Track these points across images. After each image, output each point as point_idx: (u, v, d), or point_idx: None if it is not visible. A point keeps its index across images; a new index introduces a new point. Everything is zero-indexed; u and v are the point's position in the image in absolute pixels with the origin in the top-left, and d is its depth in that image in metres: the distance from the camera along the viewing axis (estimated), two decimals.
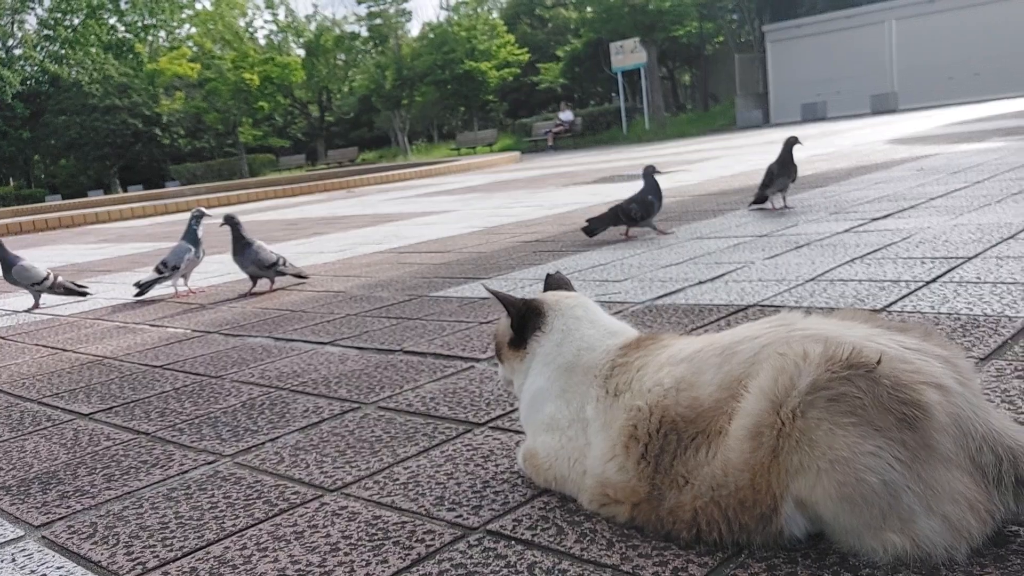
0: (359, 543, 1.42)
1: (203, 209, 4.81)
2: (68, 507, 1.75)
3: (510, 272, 4.13)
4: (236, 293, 4.53)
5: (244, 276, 4.62)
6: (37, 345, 3.69)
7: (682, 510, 1.24)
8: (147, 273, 4.87)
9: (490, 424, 1.94)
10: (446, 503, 1.54)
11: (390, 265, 4.94)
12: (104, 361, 3.17)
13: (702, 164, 11.58)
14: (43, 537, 1.61)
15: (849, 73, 27.46)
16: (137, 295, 4.67)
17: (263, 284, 4.54)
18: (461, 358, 2.57)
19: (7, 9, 41.72)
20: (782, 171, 4.97)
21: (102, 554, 1.50)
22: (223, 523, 1.57)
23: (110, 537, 1.57)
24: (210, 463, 1.92)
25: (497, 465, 1.69)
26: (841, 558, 1.18)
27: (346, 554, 1.39)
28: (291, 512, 1.59)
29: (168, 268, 4.52)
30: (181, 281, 4.63)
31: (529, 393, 1.53)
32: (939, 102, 23.71)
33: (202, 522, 1.59)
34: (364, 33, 39.98)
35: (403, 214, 8.86)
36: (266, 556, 1.42)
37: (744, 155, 12.49)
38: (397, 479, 1.68)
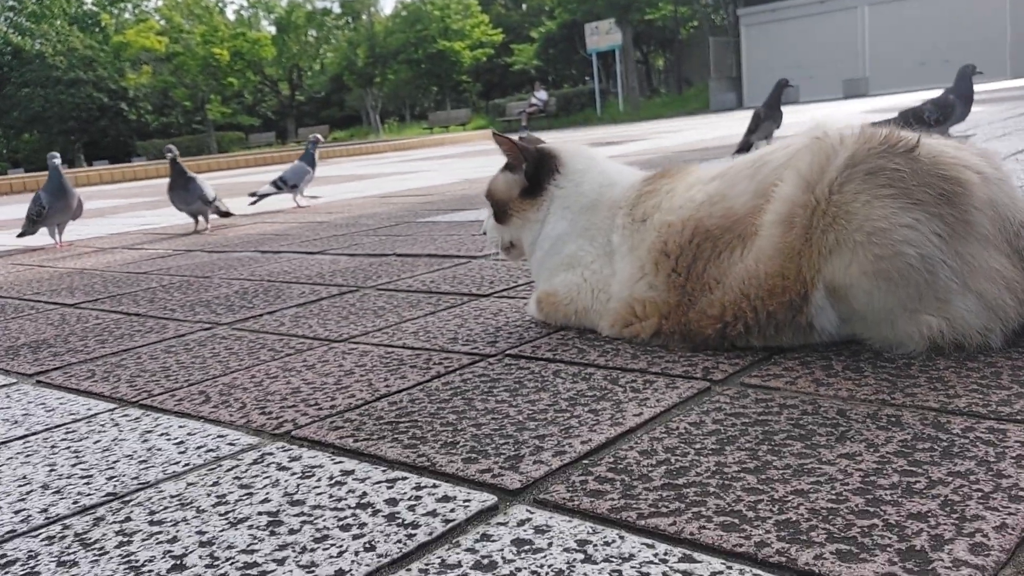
0: (373, 369, 1.39)
1: (319, 136, 5.34)
2: (62, 360, 1.69)
3: None
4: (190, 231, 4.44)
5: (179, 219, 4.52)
6: (13, 264, 3.58)
7: (711, 307, 1.22)
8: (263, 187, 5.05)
9: (495, 295, 1.91)
10: (459, 341, 1.51)
11: (372, 204, 4.87)
12: (84, 272, 3.08)
13: (679, 134, 11.60)
14: (38, 382, 1.55)
15: (822, 58, 27.68)
16: (252, 203, 5.03)
17: (202, 223, 4.39)
18: (456, 256, 2.53)
19: None
20: (768, 115, 4.97)
21: (103, 387, 1.45)
22: (227, 364, 1.53)
23: (110, 377, 1.52)
24: (207, 329, 1.86)
25: (508, 318, 1.66)
26: (875, 353, 1.17)
27: (361, 375, 1.35)
28: (298, 354, 1.54)
29: (287, 185, 4.95)
30: (299, 196, 5.09)
31: (548, 240, 1.50)
32: (910, 88, 23.97)
33: (205, 365, 1.54)
34: (336, 10, 39.49)
35: (381, 174, 8.76)
36: (276, 381, 1.38)
37: (719, 127, 12.54)
38: (405, 330, 1.64)
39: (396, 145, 18.29)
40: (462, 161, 9.73)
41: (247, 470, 1.00)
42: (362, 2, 37.90)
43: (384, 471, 0.95)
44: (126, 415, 1.28)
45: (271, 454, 1.04)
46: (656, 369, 1.21)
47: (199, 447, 1.10)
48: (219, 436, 1.13)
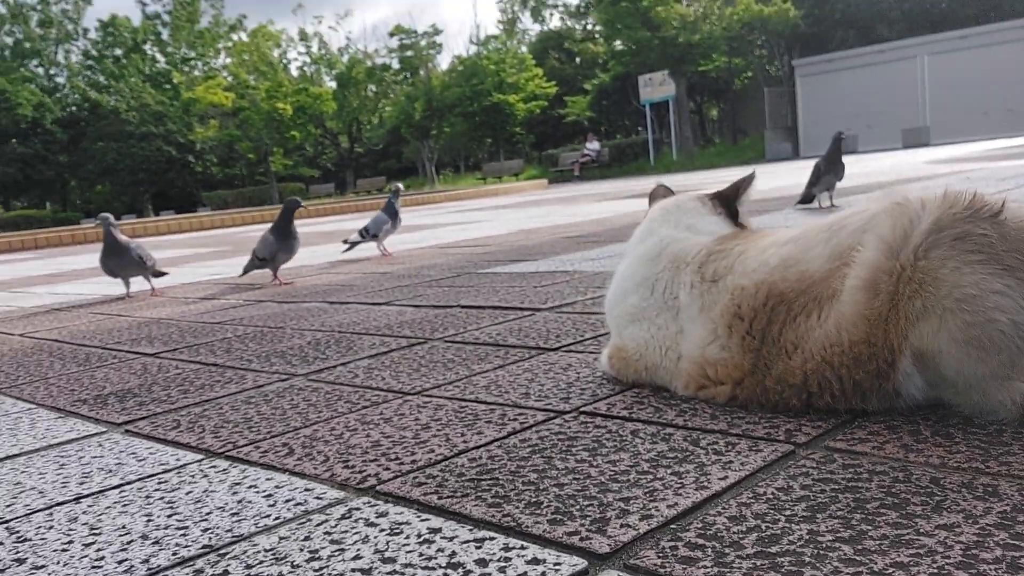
0: (449, 423, 1.41)
1: (400, 186, 5.53)
2: (147, 410, 1.75)
3: (555, 256, 4.12)
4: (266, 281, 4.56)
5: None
6: (92, 313, 3.72)
7: (791, 375, 1.21)
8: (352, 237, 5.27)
9: (563, 348, 1.92)
10: (532, 397, 1.52)
11: (432, 255, 4.96)
12: (160, 321, 3.19)
13: None
14: (127, 431, 1.61)
15: (880, 107, 27.41)
16: (345, 251, 5.32)
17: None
18: (521, 308, 2.56)
19: (52, 40, 42.91)
20: (829, 168, 4.94)
21: (189, 438, 1.50)
22: (307, 416, 1.57)
23: (195, 428, 1.57)
24: (284, 380, 1.91)
25: (579, 372, 1.67)
26: (964, 419, 1.15)
27: (438, 430, 1.37)
28: (375, 407, 1.57)
29: (368, 234, 5.15)
30: (383, 244, 5.24)
31: (614, 281, 1.55)
32: (972, 137, 23.55)
33: (285, 416, 1.58)
34: (395, 65, 40.59)
35: (437, 224, 8.90)
36: (356, 434, 1.41)
37: (776, 177, 12.45)
38: (477, 384, 1.66)
39: (452, 195, 18.60)
40: (516, 211, 9.84)
41: (336, 525, 1.02)
42: (420, 58, 38.92)
43: (471, 530, 0.96)
44: (214, 466, 1.32)
45: (358, 509, 1.07)
46: (737, 431, 1.20)
47: (288, 500, 1.12)
48: (306, 489, 1.16)
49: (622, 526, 0.93)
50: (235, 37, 45.96)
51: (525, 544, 0.91)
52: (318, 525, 1.03)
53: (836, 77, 28.88)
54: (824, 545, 0.83)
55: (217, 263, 6.16)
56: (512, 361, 1.84)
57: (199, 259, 6.93)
